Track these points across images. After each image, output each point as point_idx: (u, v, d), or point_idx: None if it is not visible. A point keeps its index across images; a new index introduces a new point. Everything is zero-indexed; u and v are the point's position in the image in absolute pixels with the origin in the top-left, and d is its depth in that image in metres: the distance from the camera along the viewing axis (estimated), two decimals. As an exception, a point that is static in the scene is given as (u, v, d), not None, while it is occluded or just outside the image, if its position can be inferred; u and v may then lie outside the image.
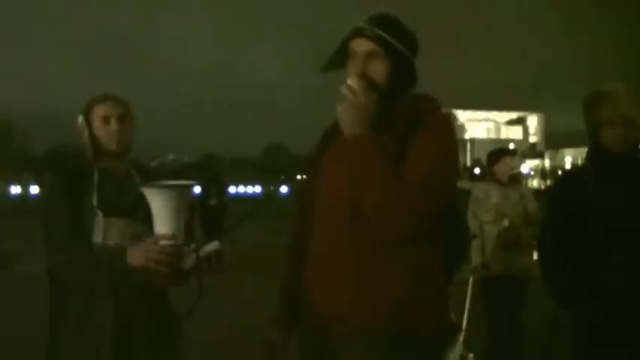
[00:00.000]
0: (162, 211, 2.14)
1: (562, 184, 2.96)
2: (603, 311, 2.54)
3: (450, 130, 2.03)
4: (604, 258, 2.55)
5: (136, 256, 2.22)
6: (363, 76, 1.97)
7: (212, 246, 2.62)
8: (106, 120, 2.47)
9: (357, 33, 2.01)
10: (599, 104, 2.64)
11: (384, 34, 1.98)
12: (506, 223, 4.85)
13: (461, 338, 4.01)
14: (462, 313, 4.14)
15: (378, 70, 1.99)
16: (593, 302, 2.57)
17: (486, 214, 4.98)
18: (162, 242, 2.16)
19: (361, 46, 2.00)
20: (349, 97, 1.92)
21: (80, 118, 2.49)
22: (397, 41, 2.00)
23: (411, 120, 1.96)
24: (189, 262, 2.28)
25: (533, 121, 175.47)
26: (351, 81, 1.94)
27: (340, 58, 2.06)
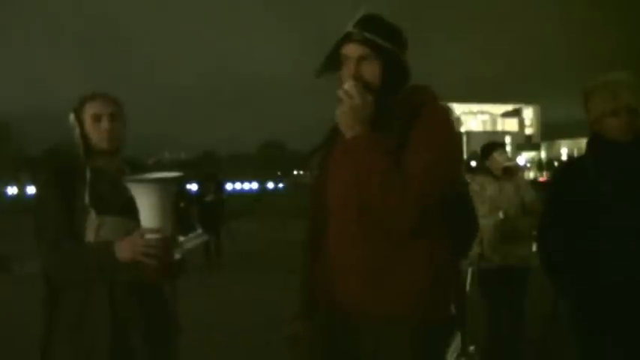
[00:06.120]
0: (145, 204, 2.12)
1: (561, 174, 2.93)
2: (604, 302, 2.53)
3: (447, 120, 2.08)
4: (606, 248, 2.53)
5: (124, 250, 2.21)
6: (358, 79, 2.04)
7: (197, 237, 2.59)
8: (96, 118, 2.44)
9: (347, 39, 2.08)
10: (601, 94, 2.61)
11: (372, 36, 2.05)
12: (501, 215, 4.85)
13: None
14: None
15: (371, 71, 2.07)
16: (593, 293, 2.56)
17: (481, 206, 4.97)
18: (148, 236, 2.15)
19: (352, 51, 2.07)
20: (346, 101, 2.00)
21: (71, 117, 2.46)
22: (385, 41, 2.06)
23: (408, 114, 2.03)
24: (177, 255, 2.27)
25: (528, 112, 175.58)
26: (347, 85, 2.02)
27: (333, 62, 2.14)
